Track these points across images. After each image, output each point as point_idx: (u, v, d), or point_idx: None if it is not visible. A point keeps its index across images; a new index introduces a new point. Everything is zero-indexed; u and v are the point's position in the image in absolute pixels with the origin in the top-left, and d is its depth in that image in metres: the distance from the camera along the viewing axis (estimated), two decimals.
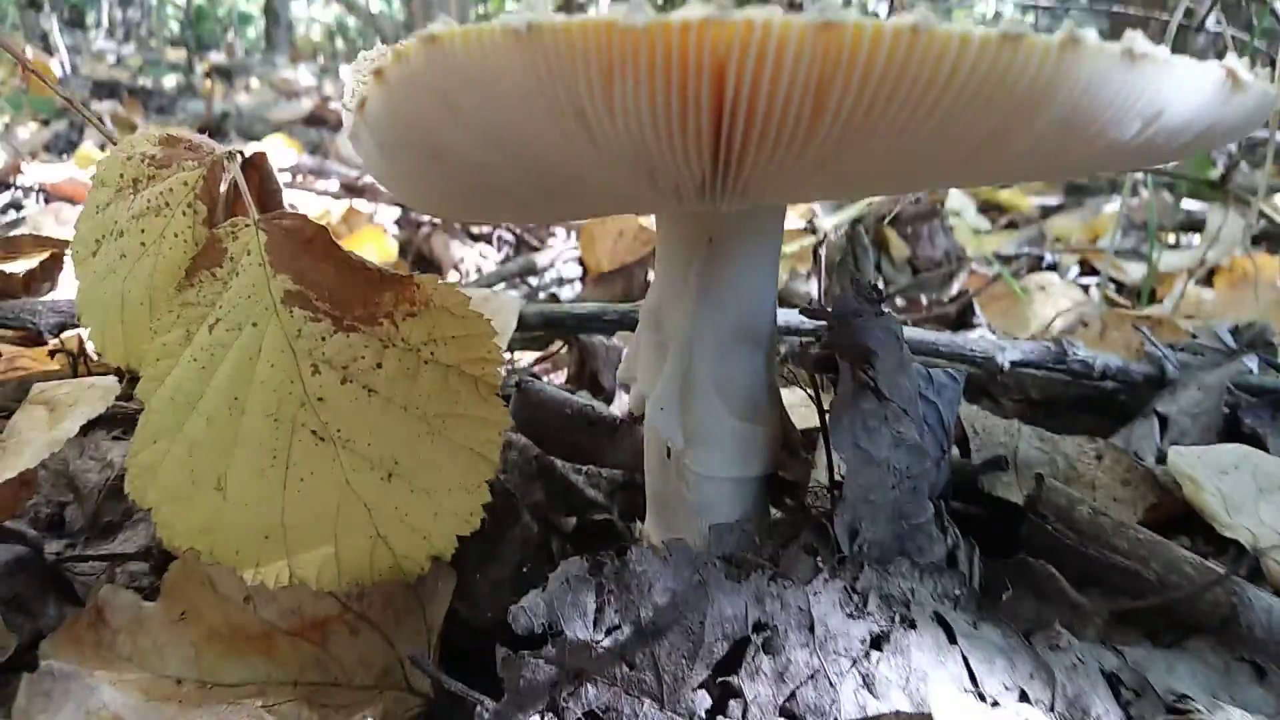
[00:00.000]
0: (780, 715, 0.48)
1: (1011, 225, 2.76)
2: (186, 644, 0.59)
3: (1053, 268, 2.01)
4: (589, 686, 0.48)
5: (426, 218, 2.26)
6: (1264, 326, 1.16)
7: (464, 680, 0.51)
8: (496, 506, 0.58)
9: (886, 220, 1.98)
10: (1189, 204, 2.67)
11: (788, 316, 0.88)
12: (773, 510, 0.62)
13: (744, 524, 0.52)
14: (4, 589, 0.66)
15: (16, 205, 1.84)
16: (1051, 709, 0.51)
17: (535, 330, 0.96)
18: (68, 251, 0.91)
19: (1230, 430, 0.89)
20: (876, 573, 0.53)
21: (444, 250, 2.13)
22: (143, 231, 0.59)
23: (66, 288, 0.95)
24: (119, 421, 0.83)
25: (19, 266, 0.93)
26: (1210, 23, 1.30)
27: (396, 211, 2.31)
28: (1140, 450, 0.88)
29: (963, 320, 1.75)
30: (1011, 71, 0.28)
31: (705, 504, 0.54)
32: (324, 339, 0.53)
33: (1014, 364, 0.96)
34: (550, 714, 0.47)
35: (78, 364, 0.89)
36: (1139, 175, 2.67)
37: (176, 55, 8.49)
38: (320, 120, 3.81)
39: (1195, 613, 0.57)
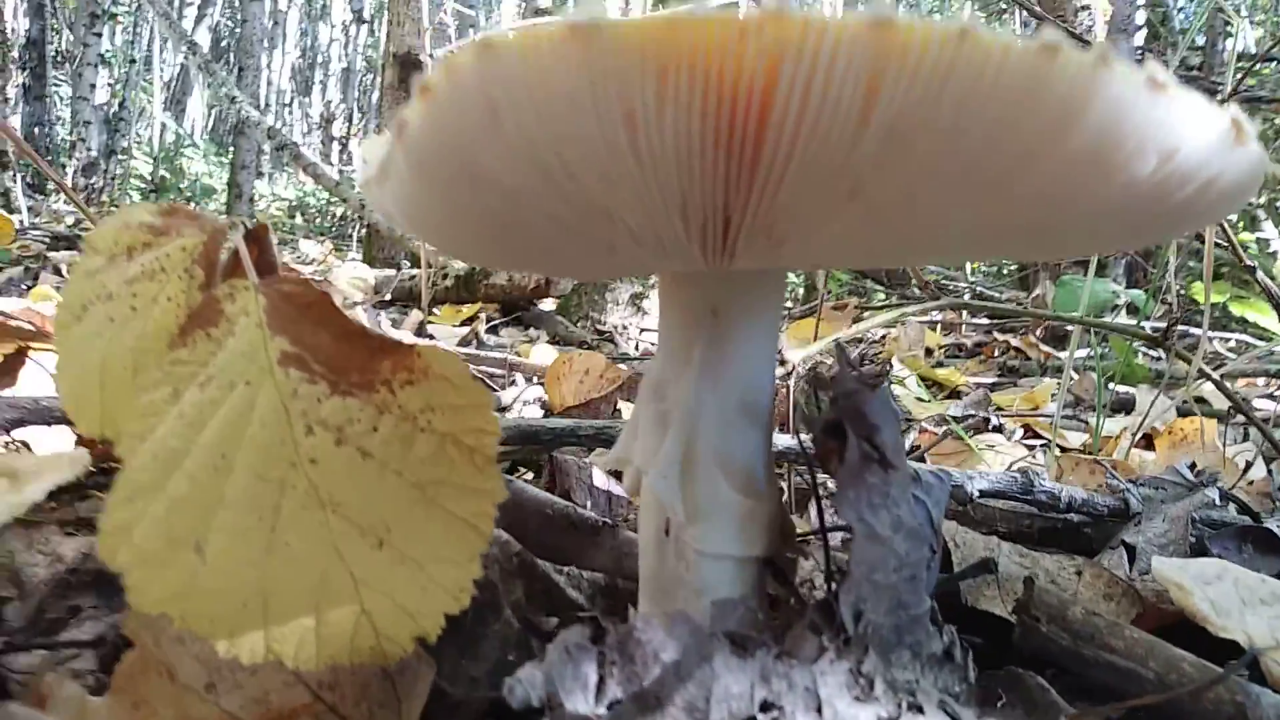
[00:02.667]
0: None
1: (954, 395, 2.84)
2: None
3: (998, 429, 2.06)
4: None
5: None
6: (1215, 472, 1.19)
7: None
8: (478, 601, 0.56)
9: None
10: (1119, 387, 2.80)
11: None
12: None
13: (748, 601, 0.51)
14: None
15: None
16: None
17: (511, 444, 0.95)
18: (31, 348, 0.89)
19: (1197, 557, 0.90)
20: (880, 657, 0.52)
21: None
22: (134, 295, 0.58)
23: (27, 386, 0.92)
24: (77, 514, 0.79)
25: None
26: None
27: None
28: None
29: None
30: (1049, 82, 0.30)
31: (705, 585, 0.52)
32: (320, 401, 0.52)
33: (982, 493, 0.97)
34: None
35: None
36: (1077, 357, 2.80)
37: None
38: None
39: (1197, 712, 0.56)
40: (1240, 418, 1.99)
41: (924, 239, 0.44)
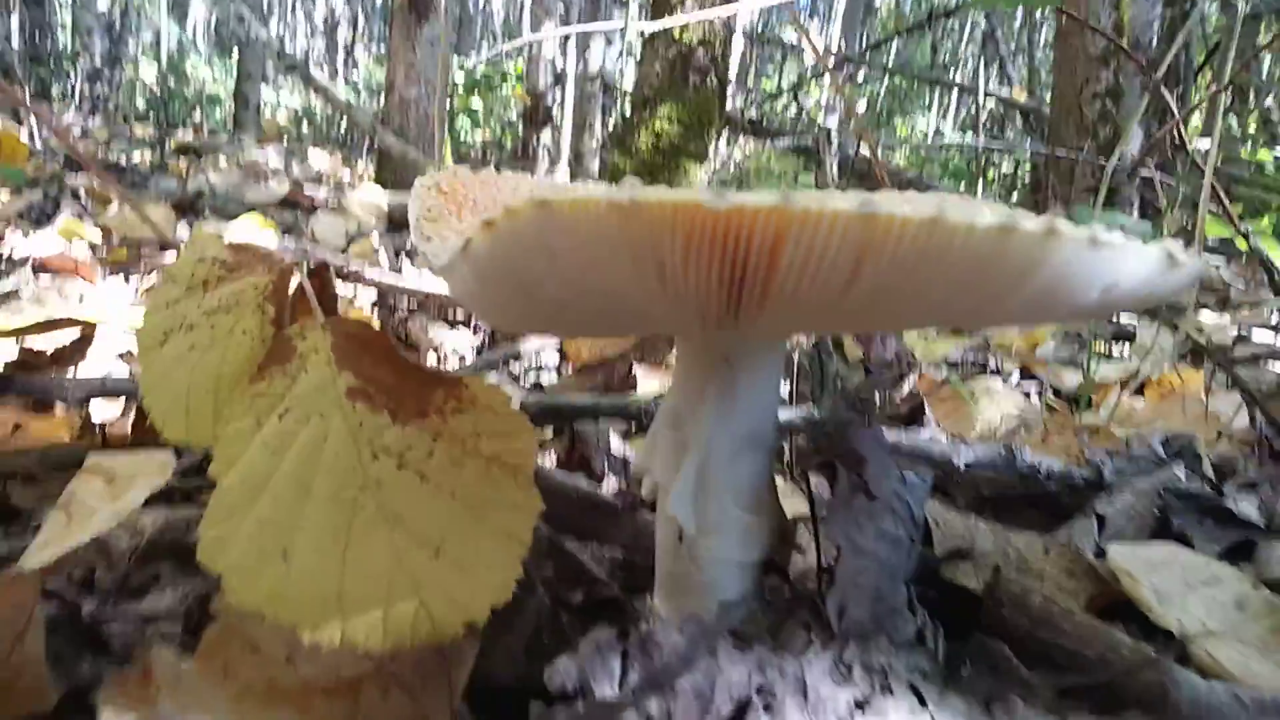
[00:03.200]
0: None
1: (956, 331, 2.90)
2: (224, 699, 0.64)
3: (996, 372, 2.13)
4: None
5: (405, 300, 2.34)
6: (1191, 437, 1.28)
7: None
8: (516, 582, 0.65)
9: None
10: (1122, 315, 2.85)
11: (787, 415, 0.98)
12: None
13: (749, 601, 0.60)
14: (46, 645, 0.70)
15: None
16: None
17: (540, 419, 1.04)
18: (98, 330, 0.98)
19: (1161, 530, 1.00)
20: (860, 647, 0.61)
21: (422, 333, 2.20)
22: (213, 327, 0.66)
23: (92, 365, 1.01)
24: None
25: (49, 344, 0.98)
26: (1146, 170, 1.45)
27: (374, 294, 2.38)
28: (1081, 545, 0.97)
29: (913, 419, 1.86)
30: (1005, 254, 0.37)
31: (713, 583, 0.62)
32: (383, 430, 0.61)
33: (969, 465, 1.06)
34: None
35: (103, 435, 0.94)
36: None
37: (143, 131, 8.55)
38: (294, 204, 3.90)
39: (1132, 690, 0.66)
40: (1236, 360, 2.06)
41: (910, 325, 0.51)
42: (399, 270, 2.70)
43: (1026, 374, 2.16)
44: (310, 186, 5.57)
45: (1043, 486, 1.09)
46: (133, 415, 0.98)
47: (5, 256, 1.92)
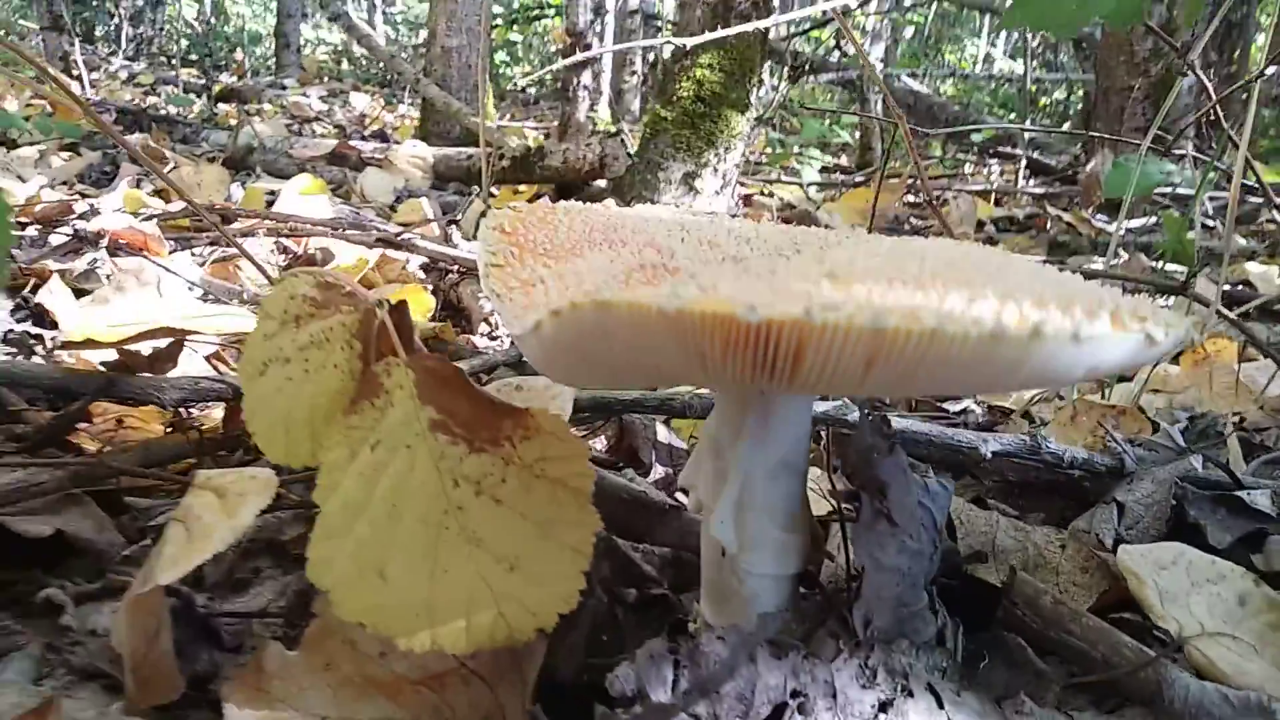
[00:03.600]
0: None
1: None
2: (326, 689, 0.74)
3: None
4: None
5: (455, 268, 2.41)
6: (1214, 418, 1.32)
7: None
8: None
9: None
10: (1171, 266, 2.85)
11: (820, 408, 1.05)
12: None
13: (784, 613, 0.68)
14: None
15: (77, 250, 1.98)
16: None
17: (586, 411, 1.12)
18: (187, 339, 1.07)
19: (1177, 517, 1.06)
20: (883, 651, 0.69)
21: (472, 301, 2.28)
22: (306, 360, 0.74)
23: (183, 367, 1.10)
24: None
25: (146, 348, 1.08)
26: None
27: (424, 259, 2.47)
28: (1100, 532, 1.04)
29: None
30: (996, 353, 0.44)
31: (753, 595, 0.70)
32: (461, 459, 0.69)
33: (995, 454, 1.12)
34: None
35: (200, 434, 1.04)
36: (1121, 236, 2.85)
37: (188, 73, 8.64)
38: (342, 158, 3.98)
39: (1131, 687, 0.73)
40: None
41: (926, 395, 0.58)
42: (449, 232, 2.77)
43: None
44: (355, 135, 5.63)
45: (1066, 474, 1.15)
46: (223, 412, 1.07)
47: (77, 233, 2.02)
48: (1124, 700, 0.74)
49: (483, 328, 2.14)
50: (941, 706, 0.67)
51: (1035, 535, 0.94)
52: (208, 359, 1.17)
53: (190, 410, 1.09)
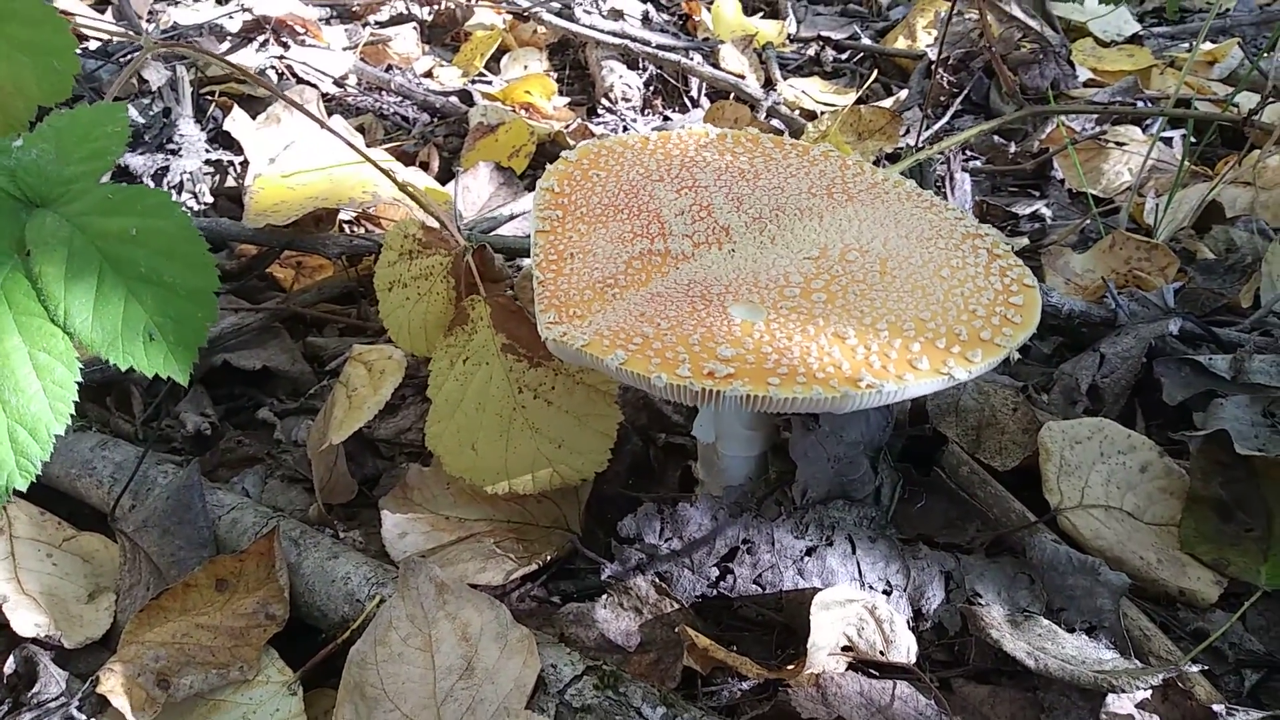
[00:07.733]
0: (754, 584, 0.96)
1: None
2: (449, 497, 1.11)
3: (1137, 122, 2.11)
4: (657, 563, 0.96)
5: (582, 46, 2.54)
6: (1201, 289, 1.41)
7: (599, 525, 1.01)
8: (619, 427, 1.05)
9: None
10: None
11: None
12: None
13: (743, 486, 0.97)
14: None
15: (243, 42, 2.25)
16: (905, 592, 0.96)
17: None
18: (340, 207, 1.37)
19: (1145, 373, 1.23)
20: (820, 510, 0.98)
21: (596, 68, 2.44)
22: (419, 287, 1.03)
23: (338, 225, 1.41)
24: None
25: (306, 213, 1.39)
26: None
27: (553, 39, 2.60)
28: (1080, 377, 1.24)
29: (1040, 173, 1.98)
30: (843, 403, 0.68)
31: (727, 467, 0.99)
32: (524, 372, 0.98)
33: None
34: (638, 573, 0.96)
35: (359, 276, 1.37)
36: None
37: None
38: None
39: (1011, 543, 1.00)
40: None
41: None
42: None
43: (1178, 122, 2.12)
44: None
45: (1066, 323, 1.32)
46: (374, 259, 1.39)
47: (245, 24, 2.27)
48: (1004, 551, 1.01)
49: (604, 103, 2.32)
50: (854, 551, 0.97)
51: (994, 398, 1.16)
52: (354, 219, 1.48)
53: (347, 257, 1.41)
